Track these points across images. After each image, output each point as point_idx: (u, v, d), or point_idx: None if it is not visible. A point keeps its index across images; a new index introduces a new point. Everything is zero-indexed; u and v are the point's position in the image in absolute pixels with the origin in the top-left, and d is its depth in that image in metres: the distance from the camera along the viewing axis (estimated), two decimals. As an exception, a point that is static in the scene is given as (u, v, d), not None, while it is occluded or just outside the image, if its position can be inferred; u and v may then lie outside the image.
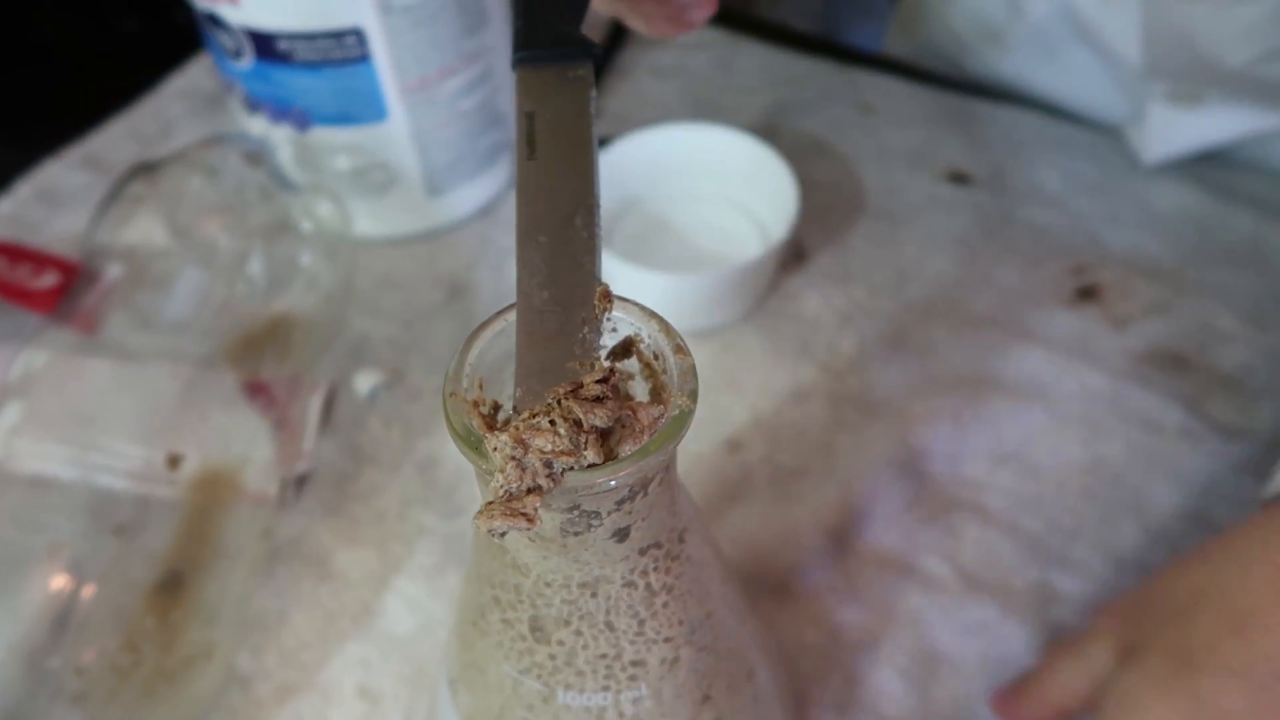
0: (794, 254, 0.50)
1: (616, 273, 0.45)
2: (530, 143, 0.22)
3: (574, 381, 0.18)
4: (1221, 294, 0.48)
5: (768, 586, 0.39)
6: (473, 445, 0.18)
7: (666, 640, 0.23)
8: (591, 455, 0.17)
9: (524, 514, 0.17)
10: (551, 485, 0.17)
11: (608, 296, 0.19)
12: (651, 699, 0.24)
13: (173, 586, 0.36)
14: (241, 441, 0.41)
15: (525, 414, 0.18)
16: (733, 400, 0.45)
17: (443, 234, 0.52)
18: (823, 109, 0.58)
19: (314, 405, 0.44)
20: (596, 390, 0.17)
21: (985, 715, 0.35)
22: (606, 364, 0.18)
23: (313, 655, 0.38)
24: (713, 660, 0.25)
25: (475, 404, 0.19)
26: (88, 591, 0.33)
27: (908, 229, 0.52)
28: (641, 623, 0.22)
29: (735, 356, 0.46)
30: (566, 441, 0.17)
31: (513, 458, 0.17)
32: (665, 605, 0.23)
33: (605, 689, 0.23)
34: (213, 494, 0.39)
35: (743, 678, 0.27)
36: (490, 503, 0.17)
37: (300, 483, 0.42)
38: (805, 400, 0.45)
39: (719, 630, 0.25)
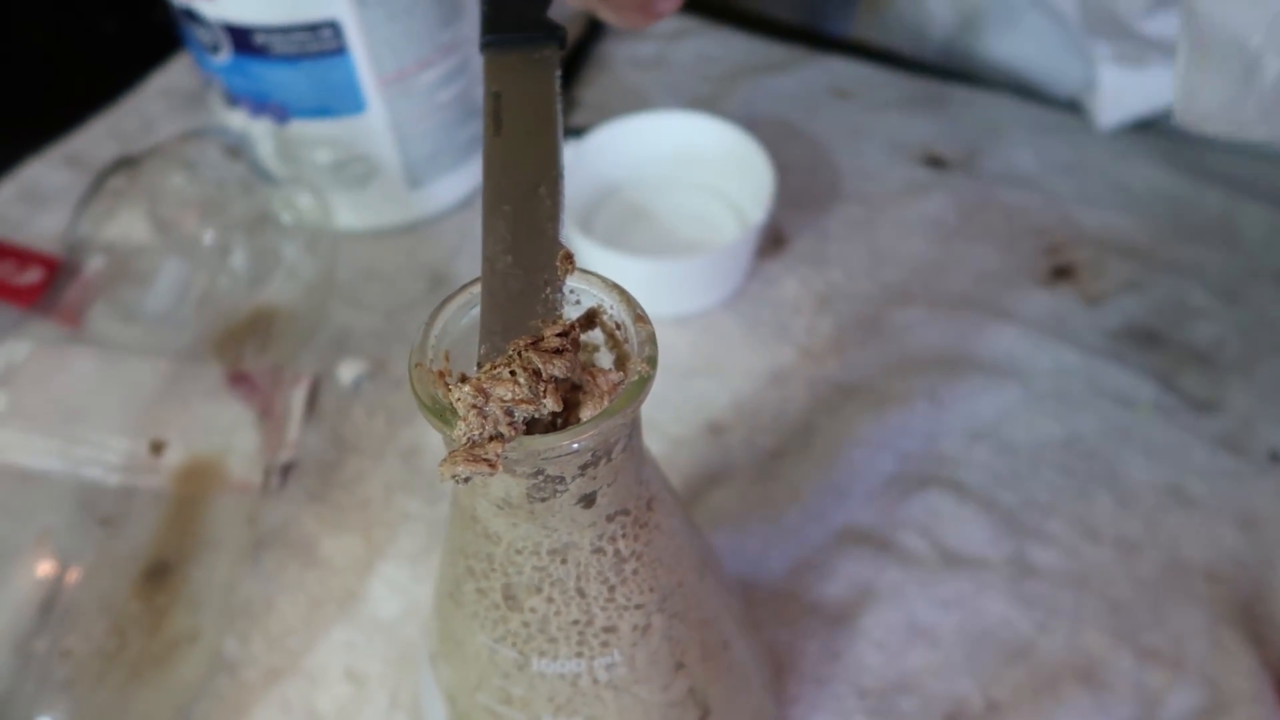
0: (773, 239, 0.51)
1: (596, 259, 0.46)
2: (496, 120, 0.22)
3: (534, 334, 0.18)
4: (1194, 270, 0.48)
5: (748, 564, 0.39)
6: (438, 414, 0.19)
7: (638, 607, 0.24)
8: (551, 404, 0.18)
9: (486, 460, 0.17)
10: (513, 434, 0.17)
11: (570, 259, 0.20)
12: (625, 665, 0.24)
13: (159, 574, 0.36)
14: (226, 432, 0.41)
15: (487, 366, 0.18)
16: (713, 384, 0.45)
17: (424, 225, 0.52)
18: (799, 95, 0.59)
19: (298, 396, 0.44)
20: (556, 343, 0.18)
21: (963, 684, 0.36)
22: (567, 320, 0.19)
23: (299, 640, 0.38)
24: (685, 629, 0.25)
25: (441, 375, 0.20)
26: (73, 577, 0.34)
27: (884, 212, 0.52)
28: (612, 589, 0.23)
29: (715, 341, 0.47)
30: (526, 390, 0.17)
31: (474, 406, 0.17)
32: (635, 572, 0.23)
33: (579, 655, 0.24)
34: (198, 484, 0.40)
35: (717, 647, 0.27)
36: (454, 451, 0.17)
37: (285, 471, 0.42)
38: (784, 382, 0.45)
39: (691, 600, 0.26)
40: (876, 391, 0.45)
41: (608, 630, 0.23)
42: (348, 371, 0.46)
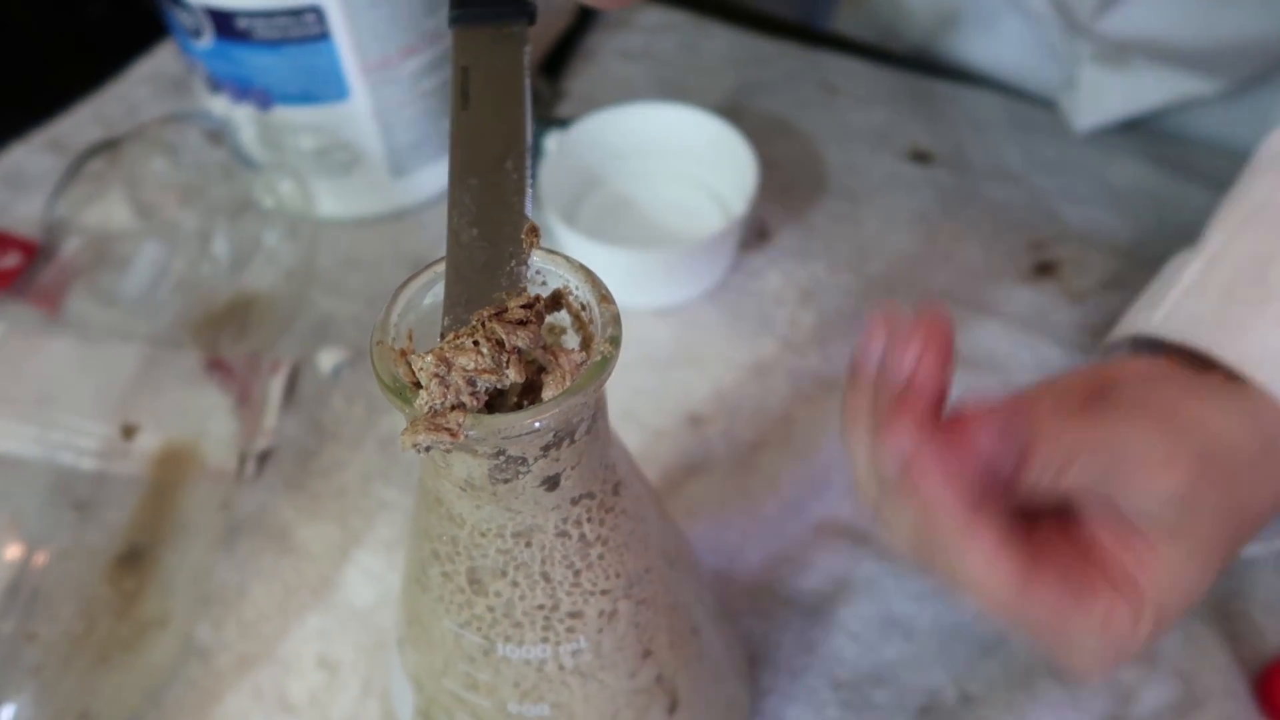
0: (757, 233, 0.51)
1: (579, 249, 0.45)
2: (464, 94, 0.22)
3: (498, 305, 0.18)
4: (1176, 268, 0.48)
5: (725, 555, 0.39)
6: (398, 393, 0.19)
7: (604, 593, 0.23)
8: (513, 374, 0.18)
9: (447, 429, 0.17)
10: (475, 403, 0.17)
11: (535, 231, 0.20)
12: (590, 651, 0.24)
13: (131, 559, 0.36)
14: (202, 418, 0.41)
15: (450, 336, 0.18)
16: (694, 375, 0.45)
17: (407, 214, 0.52)
18: (787, 90, 0.59)
19: (277, 383, 0.44)
20: (520, 314, 0.18)
21: (938, 677, 0.36)
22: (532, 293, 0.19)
23: (273, 627, 0.38)
24: (653, 615, 0.25)
25: (403, 353, 0.19)
26: (41, 560, 0.33)
27: (869, 207, 0.52)
28: (577, 574, 0.23)
29: (697, 332, 0.47)
30: (489, 360, 0.17)
31: (436, 375, 0.17)
32: (601, 557, 0.23)
33: (544, 641, 0.23)
34: (173, 470, 0.39)
35: (686, 634, 0.27)
36: (415, 420, 0.17)
37: (263, 459, 0.42)
38: (765, 375, 0.45)
39: (659, 586, 0.26)
40: (857, 385, 0.44)
41: (573, 615, 0.23)
42: (327, 359, 0.45)
